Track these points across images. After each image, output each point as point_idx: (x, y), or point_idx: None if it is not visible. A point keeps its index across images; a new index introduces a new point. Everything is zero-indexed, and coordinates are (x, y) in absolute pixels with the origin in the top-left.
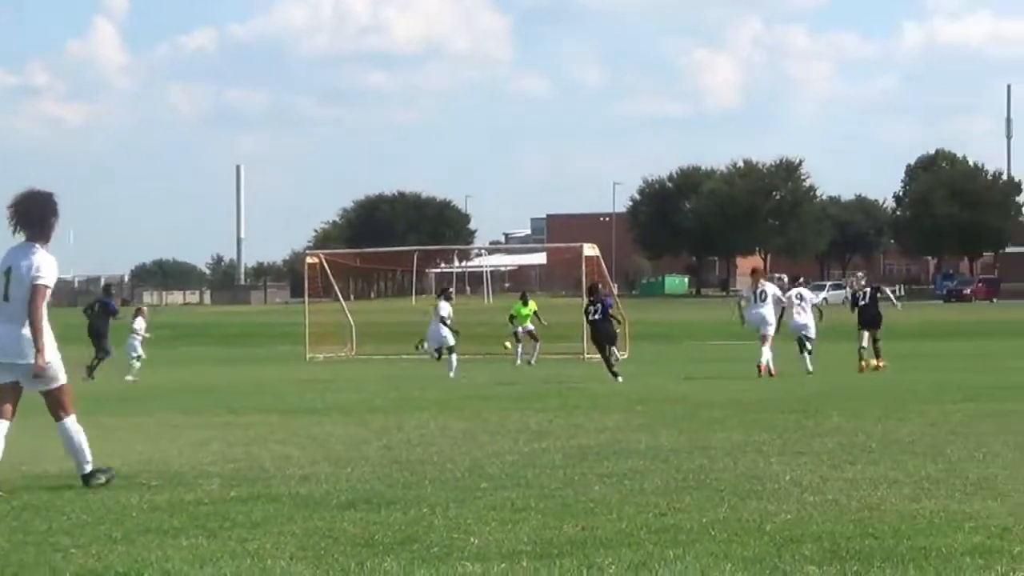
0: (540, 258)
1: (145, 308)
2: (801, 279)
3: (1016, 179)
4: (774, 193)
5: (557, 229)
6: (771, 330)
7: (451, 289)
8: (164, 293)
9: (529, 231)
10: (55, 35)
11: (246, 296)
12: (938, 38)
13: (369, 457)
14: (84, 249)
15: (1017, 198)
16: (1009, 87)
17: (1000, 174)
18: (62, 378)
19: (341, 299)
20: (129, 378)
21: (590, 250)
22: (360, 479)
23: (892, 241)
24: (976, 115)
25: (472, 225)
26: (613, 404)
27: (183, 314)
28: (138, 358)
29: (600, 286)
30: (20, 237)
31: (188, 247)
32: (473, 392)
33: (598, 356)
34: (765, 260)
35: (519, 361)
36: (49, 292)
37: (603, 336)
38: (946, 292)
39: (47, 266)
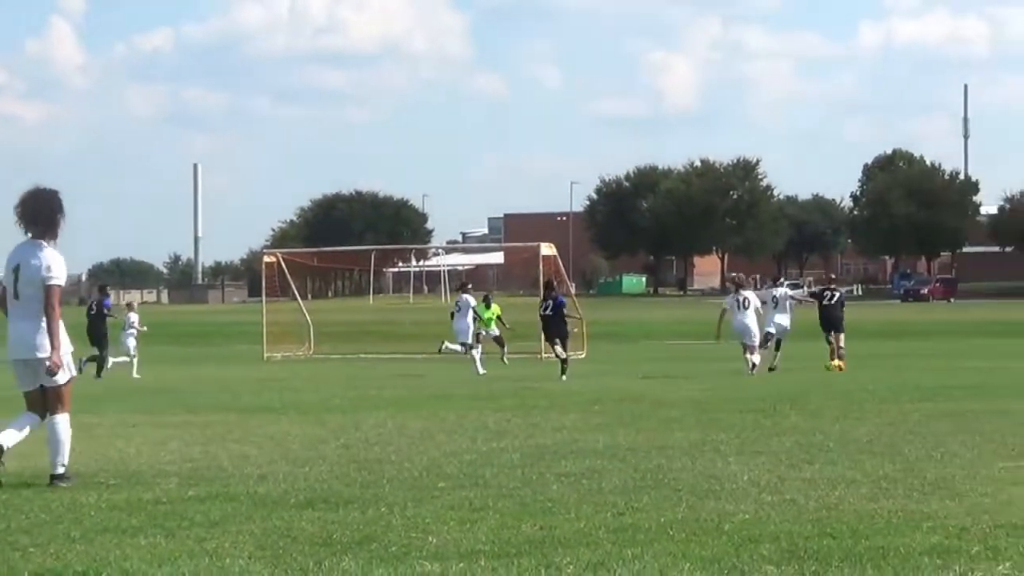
0: (497, 257)
1: (136, 303)
2: (782, 279)
3: (973, 179)
4: (731, 193)
5: (514, 228)
6: (756, 340)
7: (469, 284)
8: (122, 292)
9: (486, 230)
10: (13, 34)
11: (203, 295)
12: (895, 38)
13: (327, 456)
14: None
15: (974, 198)
16: (966, 87)
17: (957, 174)
18: (67, 376)
19: (299, 298)
20: (136, 375)
21: (547, 249)
22: (318, 478)
23: (849, 241)
24: (933, 115)
25: (429, 224)
26: (570, 403)
27: (140, 313)
28: (130, 355)
29: (555, 283)
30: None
31: (145, 246)
32: (431, 392)
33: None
34: (722, 260)
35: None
36: (61, 290)
37: (554, 332)
38: (903, 292)
39: (57, 265)
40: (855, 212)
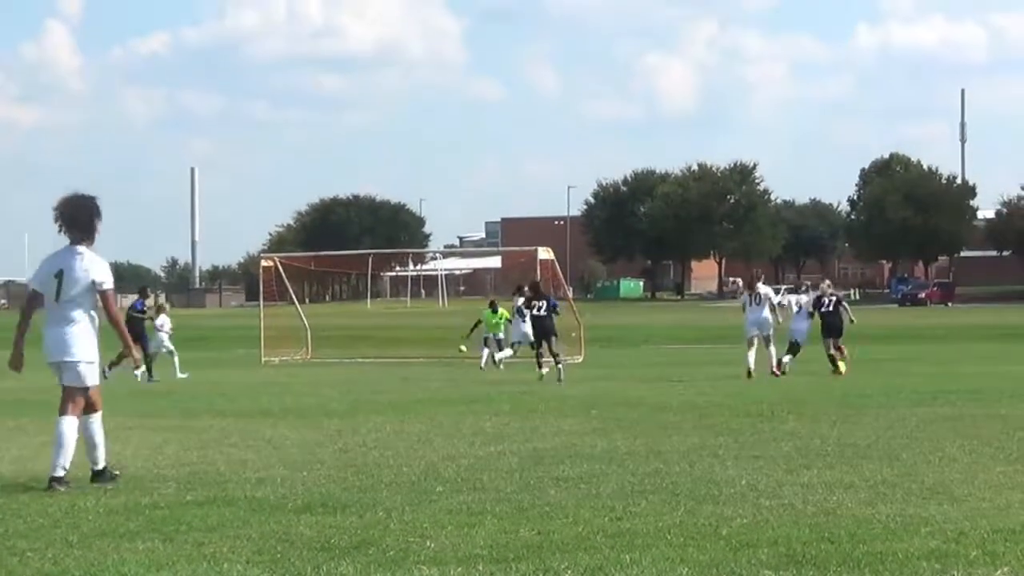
0: (495, 262)
1: (166, 304)
2: (804, 287)
3: (970, 183)
4: (728, 196)
5: (511, 233)
6: (771, 331)
7: (526, 287)
8: (119, 296)
9: (484, 235)
10: (8, 37)
11: (201, 299)
12: (892, 42)
13: (324, 460)
14: (39, 252)
15: (971, 202)
16: (963, 91)
17: (954, 178)
18: (92, 382)
19: (296, 302)
20: (181, 375)
21: (545, 254)
22: (316, 483)
23: (847, 245)
24: (930, 119)
25: (427, 228)
26: (568, 408)
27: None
28: (171, 353)
29: (539, 284)
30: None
31: (143, 250)
32: (428, 395)
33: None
34: (720, 264)
35: (484, 365)
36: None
37: (544, 331)
38: (901, 296)
39: (104, 270)
40: (852, 216)
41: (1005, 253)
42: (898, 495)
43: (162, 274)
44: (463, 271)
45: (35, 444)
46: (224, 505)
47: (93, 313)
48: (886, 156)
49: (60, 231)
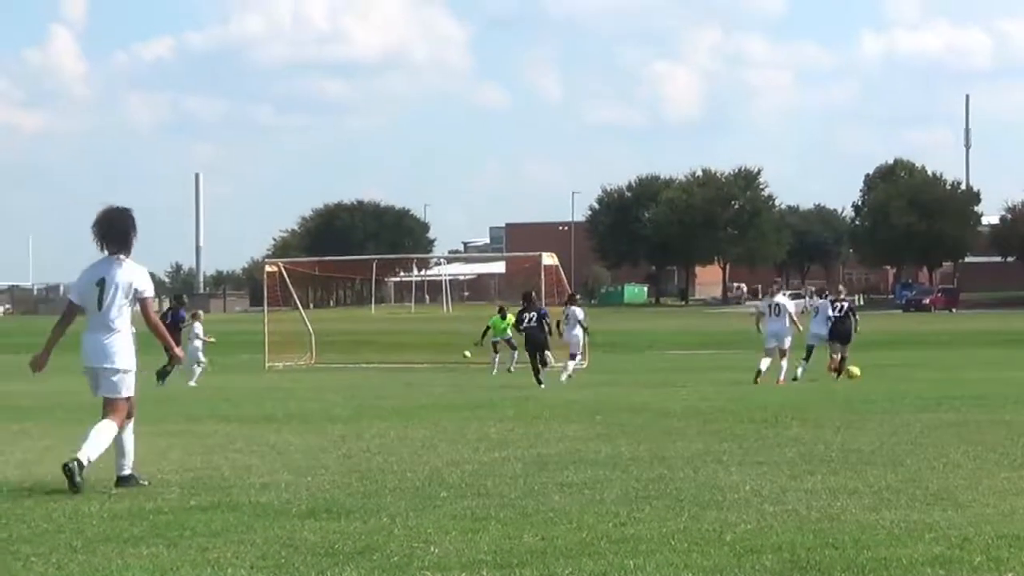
0: (499, 267)
1: (200, 312)
2: (826, 292)
3: (975, 189)
4: (733, 202)
5: (516, 238)
6: (788, 343)
7: (578, 295)
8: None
9: (488, 240)
10: (12, 42)
11: (205, 304)
12: (897, 48)
13: (329, 466)
14: (43, 257)
15: (976, 208)
16: (968, 97)
17: (959, 184)
18: (128, 392)
19: (300, 308)
20: (192, 384)
21: (549, 259)
22: (320, 488)
23: (851, 251)
24: (935, 125)
25: (431, 234)
26: (572, 413)
27: (142, 322)
28: (199, 363)
29: (534, 294)
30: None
31: (147, 255)
32: (432, 401)
33: (558, 364)
34: (724, 269)
35: (495, 371)
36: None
37: (535, 343)
38: (905, 302)
39: (145, 278)
40: (857, 222)
41: (1009, 259)
42: (902, 501)
43: (166, 279)
44: (467, 277)
45: (39, 448)
46: (228, 510)
47: (131, 323)
48: (890, 162)
49: (99, 245)
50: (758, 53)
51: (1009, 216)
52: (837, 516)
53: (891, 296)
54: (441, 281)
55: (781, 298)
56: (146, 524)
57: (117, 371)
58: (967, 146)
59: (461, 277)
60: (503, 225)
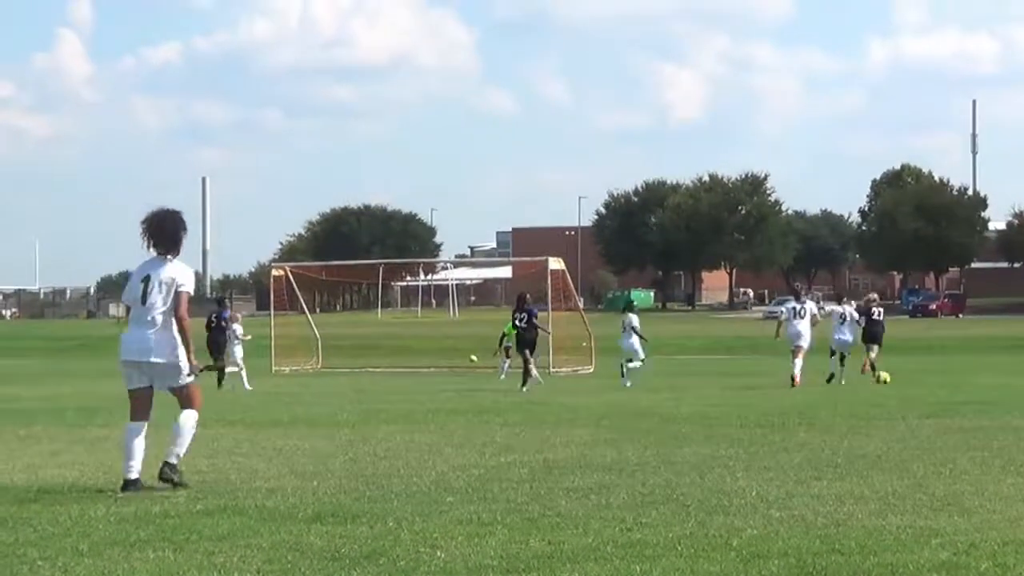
0: (506, 272)
1: (240, 315)
2: (845, 298)
3: (982, 194)
4: (739, 208)
5: (522, 243)
6: (805, 344)
7: (635, 302)
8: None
9: (494, 245)
10: (21, 47)
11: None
12: (904, 54)
13: (335, 470)
14: (50, 260)
15: (982, 214)
16: (974, 103)
17: (965, 189)
18: (190, 377)
19: (307, 312)
20: (248, 387)
21: (555, 264)
22: (326, 492)
23: (857, 256)
24: (941, 131)
25: (437, 238)
26: (579, 418)
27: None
28: (238, 365)
29: (527, 296)
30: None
31: None
32: (439, 406)
33: (565, 370)
34: (731, 275)
35: (504, 376)
36: (191, 298)
37: (525, 343)
38: (912, 307)
39: (188, 275)
40: (863, 227)
41: (1016, 265)
42: (908, 507)
43: None
44: (474, 281)
45: (46, 452)
46: (234, 514)
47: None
48: (897, 167)
49: (147, 246)
50: (765, 59)
51: (1016, 222)
52: (844, 522)
53: (898, 302)
54: (448, 286)
55: (807, 302)
56: (152, 528)
57: (171, 364)
58: (974, 152)
59: (468, 282)
60: (510, 230)
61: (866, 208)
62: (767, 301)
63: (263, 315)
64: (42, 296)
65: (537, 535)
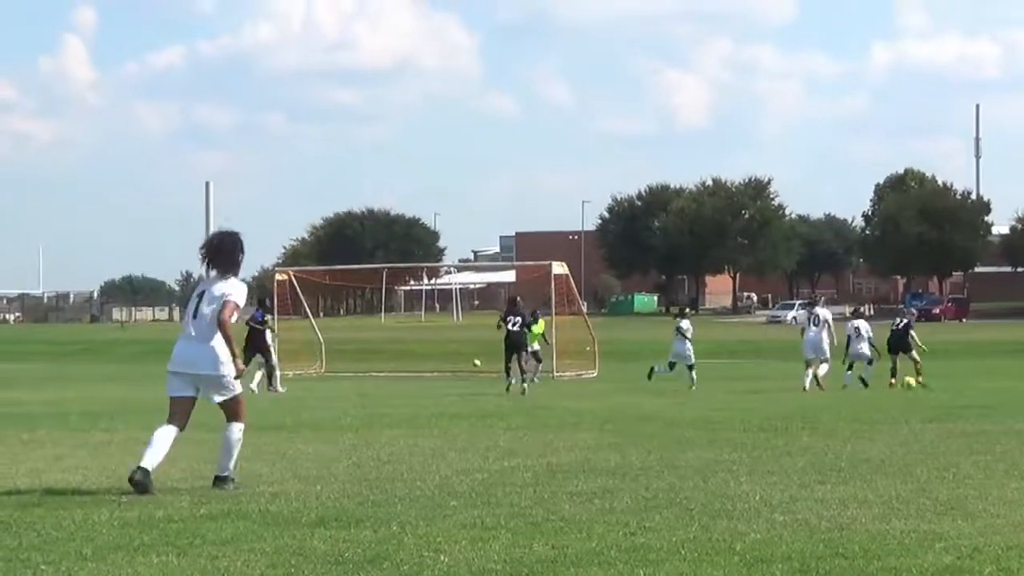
0: (509, 276)
1: (270, 317)
2: (862, 309)
3: (985, 198)
4: (743, 212)
5: (526, 247)
6: (822, 356)
7: (688, 309)
8: (133, 309)
9: (498, 249)
10: (25, 51)
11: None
12: (907, 58)
13: (339, 475)
14: (53, 265)
15: (986, 218)
16: (978, 107)
17: (969, 193)
18: (237, 389)
19: (310, 316)
20: (281, 389)
21: (559, 268)
22: (330, 497)
23: (861, 260)
24: (945, 135)
25: (441, 243)
26: (582, 422)
27: (152, 331)
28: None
29: (520, 300)
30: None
31: (157, 263)
32: (442, 410)
33: (568, 374)
34: (734, 279)
35: (536, 379)
36: (237, 309)
37: (515, 346)
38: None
39: (238, 289)
40: (867, 231)
41: (1020, 269)
42: (912, 511)
43: (176, 288)
44: (477, 285)
45: (49, 457)
46: (238, 519)
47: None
48: (900, 171)
49: (206, 268)
50: (768, 63)
51: (1019, 226)
52: (847, 526)
53: (901, 306)
54: (451, 290)
55: (821, 309)
56: (156, 532)
57: (220, 376)
58: (977, 156)
59: (471, 286)
60: (513, 234)
61: (870, 212)
62: (771, 305)
63: None
64: (46, 300)
65: (541, 539)
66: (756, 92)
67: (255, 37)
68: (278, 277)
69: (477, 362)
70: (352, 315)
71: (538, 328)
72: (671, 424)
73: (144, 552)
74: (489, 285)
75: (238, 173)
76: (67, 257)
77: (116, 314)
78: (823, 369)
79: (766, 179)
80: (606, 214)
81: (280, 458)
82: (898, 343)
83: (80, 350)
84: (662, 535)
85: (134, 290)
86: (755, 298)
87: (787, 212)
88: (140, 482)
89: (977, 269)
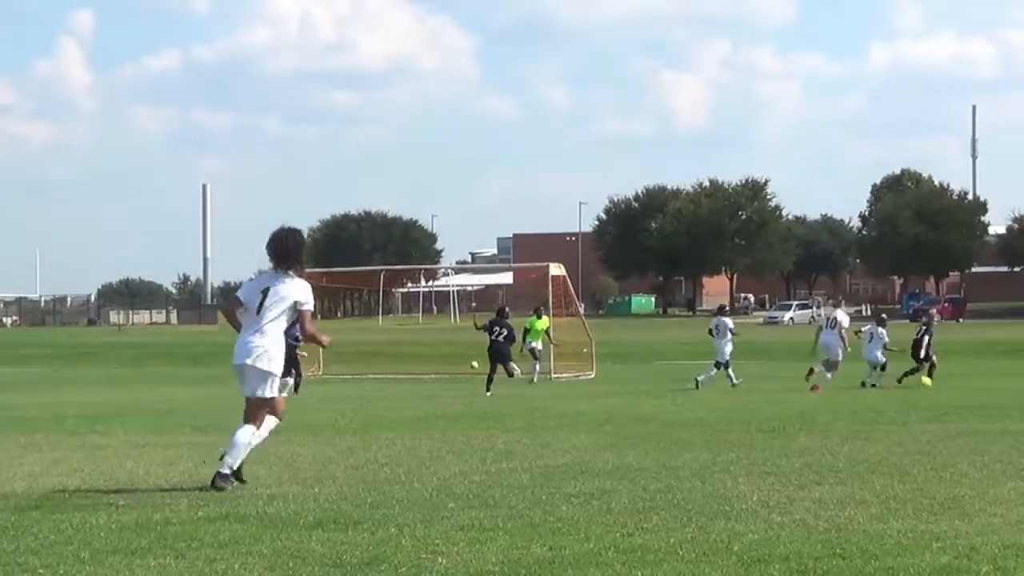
0: (506, 278)
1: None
2: (884, 316)
3: (982, 199)
4: (740, 213)
5: (523, 249)
6: (840, 357)
7: (727, 307)
8: (131, 313)
9: (495, 251)
10: (22, 54)
11: (213, 316)
12: (904, 59)
13: (336, 477)
14: (50, 268)
15: (983, 218)
16: (974, 107)
17: (965, 194)
18: (272, 393)
19: None
20: (297, 394)
21: (556, 270)
22: (328, 499)
23: (858, 261)
24: (941, 135)
25: (438, 245)
26: (580, 424)
27: (150, 334)
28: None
29: (508, 310)
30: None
31: (154, 267)
32: (440, 412)
33: (566, 375)
34: (731, 280)
35: (535, 379)
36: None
37: (498, 355)
38: (912, 311)
39: (307, 292)
40: (864, 232)
41: (1016, 269)
42: (909, 511)
43: (174, 291)
44: (475, 287)
45: (47, 460)
46: (236, 521)
47: (283, 333)
48: (897, 172)
49: (271, 261)
50: (765, 63)
51: (1016, 226)
52: (844, 526)
53: (898, 306)
54: (449, 292)
55: (839, 313)
56: (154, 535)
57: (262, 372)
58: (974, 156)
59: (469, 288)
60: (510, 235)
61: (866, 213)
62: (768, 306)
63: None
64: (43, 304)
65: (539, 541)
66: (753, 93)
67: (251, 40)
68: None
69: (475, 364)
70: (350, 317)
71: (542, 324)
72: (668, 425)
73: (142, 555)
74: (487, 287)
75: (235, 176)
76: (64, 260)
77: (113, 317)
78: (830, 372)
79: (763, 180)
80: (603, 215)
81: (278, 460)
82: (915, 348)
83: (77, 353)
84: (660, 536)
85: (131, 293)
86: (752, 299)
87: (784, 213)
88: (220, 487)
89: (974, 269)
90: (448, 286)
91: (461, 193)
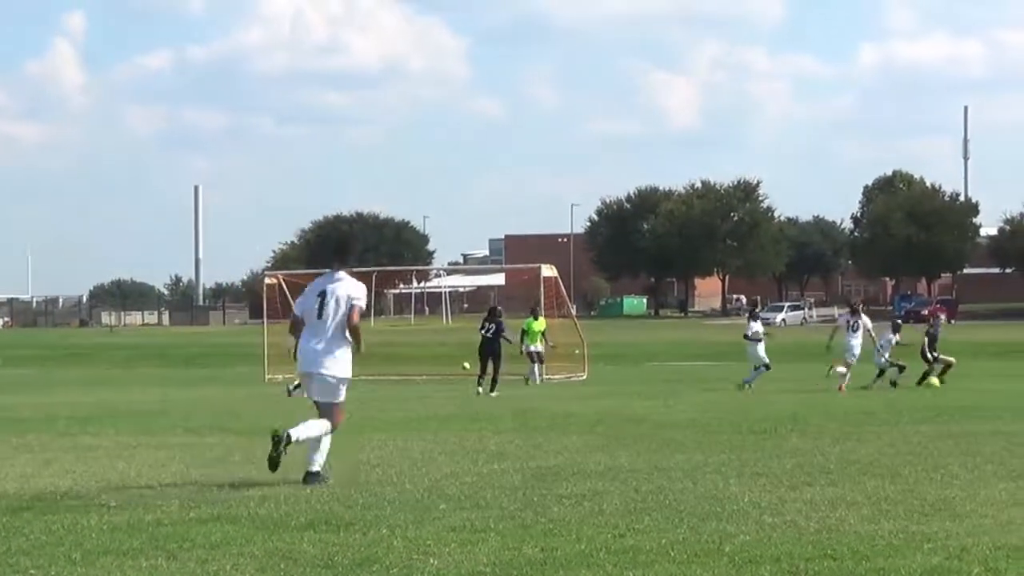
0: (498, 279)
1: None
2: (899, 322)
3: (973, 200)
4: (732, 214)
5: (515, 250)
6: (853, 359)
7: (757, 309)
8: (122, 314)
9: (487, 252)
10: (14, 54)
11: (205, 317)
12: (895, 59)
13: (328, 478)
14: (42, 268)
15: (974, 219)
16: (966, 108)
17: (957, 195)
18: (341, 397)
19: None
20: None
21: (548, 271)
22: (319, 500)
23: (850, 262)
24: (933, 136)
25: (430, 246)
26: (571, 425)
27: (141, 335)
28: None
29: (499, 308)
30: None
31: (146, 268)
32: (432, 413)
33: (558, 377)
34: (723, 281)
35: (539, 380)
36: (363, 312)
37: (490, 352)
38: (904, 313)
39: (361, 291)
40: (856, 233)
41: (1008, 270)
42: (900, 512)
43: (165, 292)
44: (467, 288)
45: (39, 461)
46: (228, 523)
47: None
48: (889, 173)
49: (329, 261)
50: (757, 64)
51: (1007, 227)
52: (836, 527)
53: (890, 308)
54: (441, 293)
55: (863, 318)
56: (145, 536)
57: (332, 378)
58: (965, 157)
59: (461, 289)
60: (502, 237)
61: (858, 214)
62: (759, 307)
63: (256, 323)
64: (34, 305)
65: (530, 542)
66: (745, 94)
67: (244, 40)
68: (267, 281)
69: (466, 365)
70: None
71: (539, 325)
72: (660, 426)
73: (133, 556)
74: (479, 288)
75: (227, 176)
76: (56, 261)
77: (105, 318)
78: (846, 376)
79: (755, 181)
80: (595, 217)
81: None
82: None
83: (69, 354)
84: (651, 537)
85: (123, 294)
86: (744, 300)
87: (776, 214)
88: (312, 483)
89: (965, 271)
90: (440, 287)
91: (453, 194)
